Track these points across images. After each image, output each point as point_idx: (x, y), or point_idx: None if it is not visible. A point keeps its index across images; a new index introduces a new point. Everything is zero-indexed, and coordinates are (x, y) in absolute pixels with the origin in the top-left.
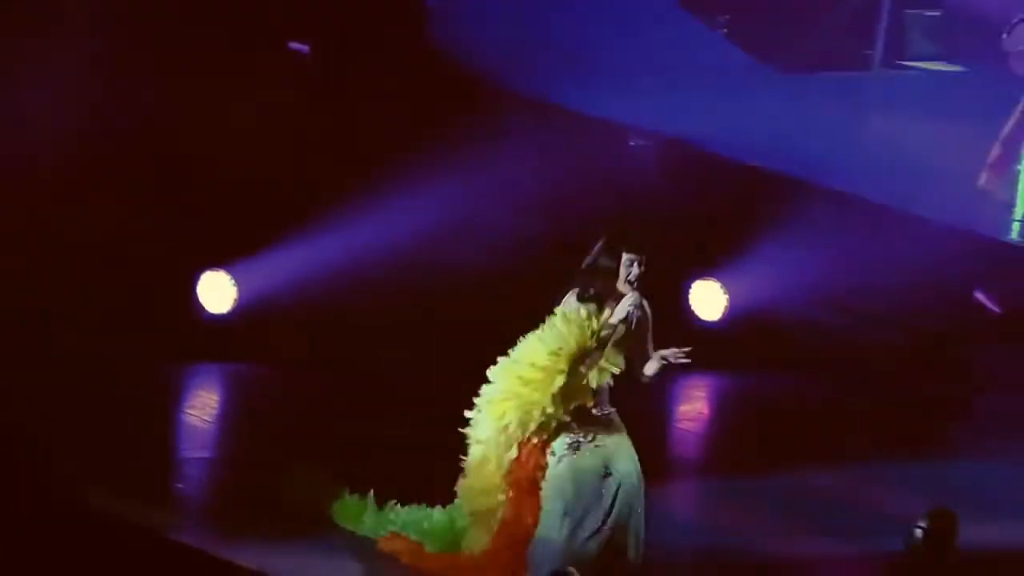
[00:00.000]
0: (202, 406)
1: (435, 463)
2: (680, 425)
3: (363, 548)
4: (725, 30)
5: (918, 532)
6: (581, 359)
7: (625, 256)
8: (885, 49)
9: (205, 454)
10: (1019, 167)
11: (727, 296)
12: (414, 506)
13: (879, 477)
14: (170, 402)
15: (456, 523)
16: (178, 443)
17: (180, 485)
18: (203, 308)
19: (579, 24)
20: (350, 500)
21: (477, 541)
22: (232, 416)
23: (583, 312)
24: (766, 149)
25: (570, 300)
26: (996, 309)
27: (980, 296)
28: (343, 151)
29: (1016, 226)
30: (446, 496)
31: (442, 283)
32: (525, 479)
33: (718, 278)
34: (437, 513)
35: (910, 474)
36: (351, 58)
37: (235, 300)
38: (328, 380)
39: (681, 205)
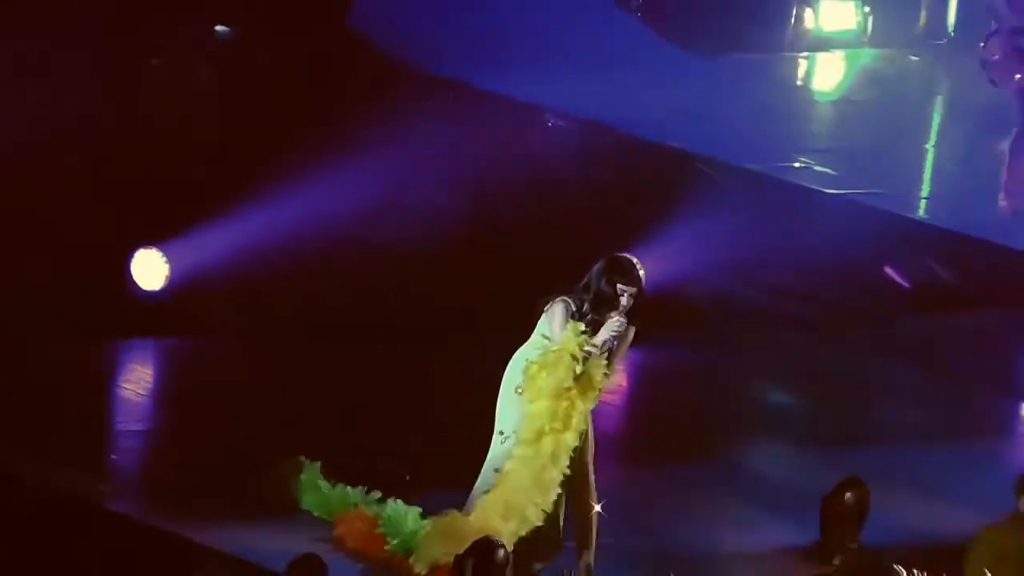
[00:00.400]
0: (136, 380)
1: (372, 438)
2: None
3: (299, 520)
4: (639, 13)
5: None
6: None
7: (619, 287)
8: (797, 31)
9: (139, 426)
10: (928, 146)
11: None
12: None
13: (793, 454)
14: (105, 376)
15: (410, 525)
16: (113, 416)
17: (115, 456)
18: (136, 285)
19: (497, 7)
20: (333, 492)
21: (428, 553)
22: (165, 389)
23: (575, 327)
24: (681, 129)
25: (556, 311)
26: (905, 284)
27: (890, 271)
28: (271, 131)
29: (923, 203)
30: (385, 475)
31: (369, 259)
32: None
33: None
34: (401, 506)
35: (824, 451)
36: (277, 39)
37: (167, 277)
38: (258, 353)
39: (598, 184)
